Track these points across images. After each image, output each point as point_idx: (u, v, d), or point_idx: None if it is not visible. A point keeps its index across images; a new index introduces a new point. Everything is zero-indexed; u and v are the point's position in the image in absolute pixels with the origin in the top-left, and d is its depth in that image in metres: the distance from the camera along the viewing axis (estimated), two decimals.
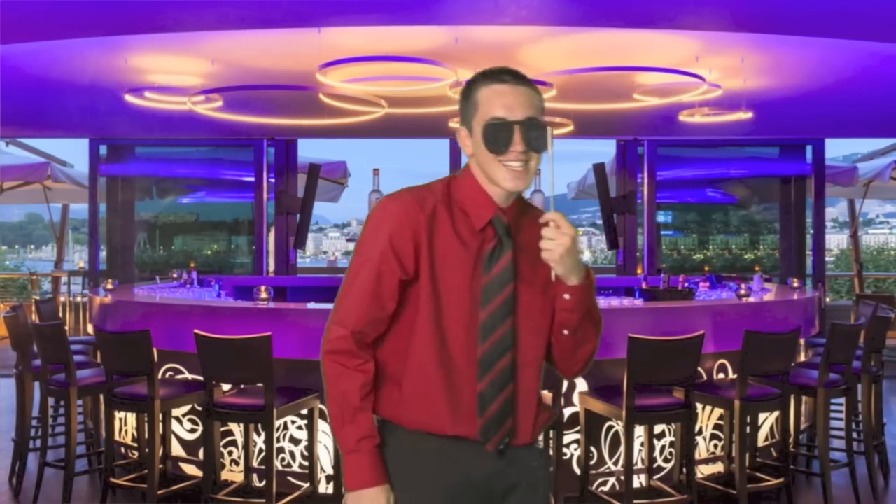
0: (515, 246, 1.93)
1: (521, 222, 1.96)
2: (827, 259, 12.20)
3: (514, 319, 1.91)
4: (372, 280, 1.88)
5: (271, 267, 10.33)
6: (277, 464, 4.64)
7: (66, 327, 6.72)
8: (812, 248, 10.60)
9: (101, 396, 4.89)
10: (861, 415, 5.38)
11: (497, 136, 1.87)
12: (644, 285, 6.68)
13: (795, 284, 6.52)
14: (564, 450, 4.65)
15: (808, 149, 10.49)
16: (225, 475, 4.79)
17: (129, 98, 7.27)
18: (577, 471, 4.58)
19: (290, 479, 4.75)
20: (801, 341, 5.74)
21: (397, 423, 1.92)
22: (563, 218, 1.84)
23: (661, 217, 11.09)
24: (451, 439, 1.90)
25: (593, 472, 4.70)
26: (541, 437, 4.07)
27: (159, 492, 4.45)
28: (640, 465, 4.82)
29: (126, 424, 5.38)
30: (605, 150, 13.10)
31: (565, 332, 1.94)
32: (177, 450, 5.04)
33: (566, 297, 1.90)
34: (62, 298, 11.16)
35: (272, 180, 10.37)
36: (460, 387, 1.89)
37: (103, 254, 10.72)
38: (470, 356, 1.89)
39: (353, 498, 1.89)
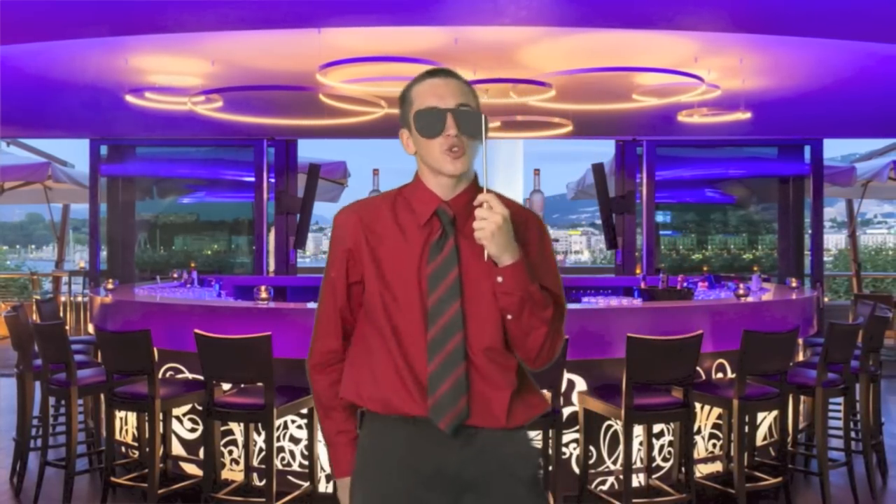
0: (463, 234, 1.97)
1: (471, 211, 1.96)
2: (825, 259, 12.21)
3: (461, 304, 1.94)
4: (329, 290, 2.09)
5: (271, 267, 10.33)
6: (277, 463, 4.66)
7: (67, 327, 6.72)
8: (810, 247, 10.61)
9: (102, 396, 4.90)
10: (859, 414, 5.39)
11: (429, 122, 1.96)
12: (643, 285, 6.70)
13: (794, 284, 6.53)
14: (563, 449, 4.66)
15: (807, 149, 10.50)
16: (225, 474, 4.81)
17: (129, 98, 7.28)
18: (577, 470, 4.60)
19: (290, 478, 4.77)
20: (800, 341, 5.75)
21: (371, 408, 2.01)
22: (496, 199, 1.88)
23: (659, 217, 11.10)
24: (420, 425, 1.95)
25: (592, 471, 4.72)
26: (537, 435, 4.14)
27: (160, 491, 4.47)
28: (638, 465, 4.83)
29: (126, 424, 5.39)
30: (604, 150, 13.09)
31: (509, 316, 1.94)
32: (177, 449, 5.06)
33: (499, 279, 1.91)
34: (63, 298, 11.15)
35: (272, 180, 10.38)
36: (417, 371, 1.95)
37: (104, 254, 10.73)
38: (422, 342, 1.95)
39: (338, 484, 2.12)
